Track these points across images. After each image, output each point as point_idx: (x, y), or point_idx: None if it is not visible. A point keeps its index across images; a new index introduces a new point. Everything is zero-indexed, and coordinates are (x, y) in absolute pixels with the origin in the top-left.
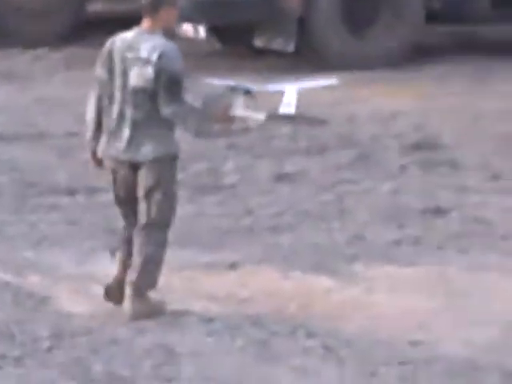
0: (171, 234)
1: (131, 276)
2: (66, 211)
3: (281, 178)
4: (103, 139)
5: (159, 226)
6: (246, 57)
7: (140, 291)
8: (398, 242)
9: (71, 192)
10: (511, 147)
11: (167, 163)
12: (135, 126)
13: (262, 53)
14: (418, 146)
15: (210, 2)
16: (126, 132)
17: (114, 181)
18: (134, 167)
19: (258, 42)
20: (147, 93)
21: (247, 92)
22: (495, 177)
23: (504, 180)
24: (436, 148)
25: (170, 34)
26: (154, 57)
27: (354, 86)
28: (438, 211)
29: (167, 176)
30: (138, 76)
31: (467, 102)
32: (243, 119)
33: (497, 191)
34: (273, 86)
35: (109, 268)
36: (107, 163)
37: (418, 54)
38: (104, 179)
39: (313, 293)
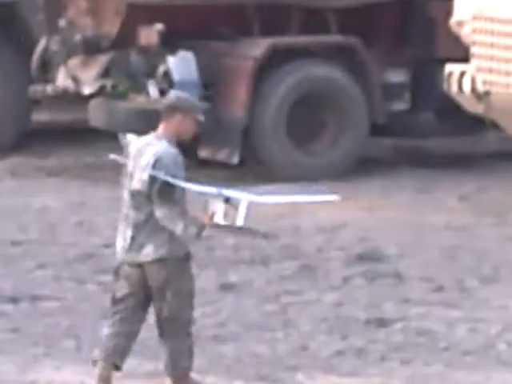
0: None
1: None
2: (10, 318)
3: (225, 287)
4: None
5: (175, 324)
6: (190, 168)
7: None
8: (341, 353)
9: (15, 300)
10: (454, 259)
11: (173, 263)
12: (137, 227)
13: (206, 164)
14: (361, 258)
15: (149, 112)
16: (128, 233)
17: (117, 279)
18: (140, 267)
19: (203, 153)
20: (145, 196)
21: (227, 200)
22: (439, 289)
23: (447, 292)
24: (380, 259)
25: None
26: (151, 162)
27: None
28: (382, 322)
29: (175, 276)
30: (137, 180)
31: (411, 214)
32: (222, 227)
33: (440, 303)
34: (263, 197)
35: (51, 375)
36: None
37: (362, 167)
38: (47, 287)
39: None
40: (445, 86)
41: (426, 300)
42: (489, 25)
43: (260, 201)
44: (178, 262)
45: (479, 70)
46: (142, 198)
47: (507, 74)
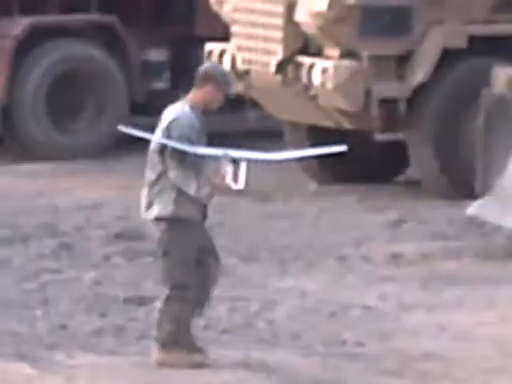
0: None
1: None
2: None
3: None
4: None
5: (168, 286)
6: None
7: (162, 344)
8: (100, 332)
9: None
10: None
11: (172, 224)
12: (149, 186)
13: None
14: (120, 236)
15: None
16: (144, 191)
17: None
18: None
19: None
20: (157, 155)
21: (234, 161)
22: None
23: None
24: (139, 238)
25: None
26: (168, 123)
27: (57, 177)
28: (141, 301)
29: (168, 237)
30: (155, 140)
31: None
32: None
33: None
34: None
35: None
36: None
37: (121, 146)
38: None
39: (14, 381)
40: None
41: None
42: (248, 3)
43: (269, 158)
44: (179, 224)
45: (239, 48)
46: (155, 158)
47: (266, 52)
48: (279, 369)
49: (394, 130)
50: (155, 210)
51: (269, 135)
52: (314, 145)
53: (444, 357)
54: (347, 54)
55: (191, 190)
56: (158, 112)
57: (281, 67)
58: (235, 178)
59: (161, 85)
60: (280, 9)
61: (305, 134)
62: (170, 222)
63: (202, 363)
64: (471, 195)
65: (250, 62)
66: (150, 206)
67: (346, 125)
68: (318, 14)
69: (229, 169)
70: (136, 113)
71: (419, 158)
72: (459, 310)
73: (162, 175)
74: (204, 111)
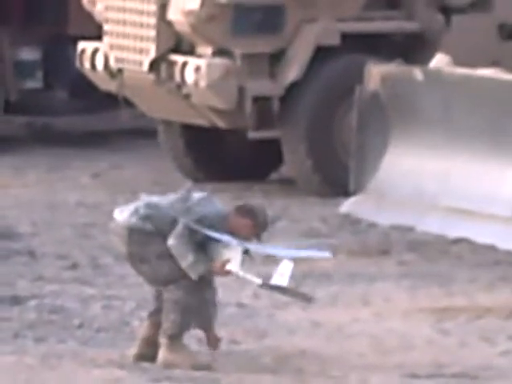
0: None
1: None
2: None
3: None
4: None
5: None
6: None
7: (169, 340)
8: None
9: None
10: (88, 237)
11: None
12: None
13: None
14: None
15: None
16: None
17: None
18: None
19: None
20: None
21: (246, 251)
22: (73, 266)
23: (81, 269)
24: (13, 237)
25: None
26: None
27: None
28: (15, 300)
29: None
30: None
31: (44, 192)
32: (240, 278)
33: (74, 280)
34: (272, 250)
35: None
36: None
37: None
38: None
39: None
40: (78, 64)
41: (60, 278)
42: (120, 2)
43: (284, 255)
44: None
45: (111, 47)
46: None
47: (139, 51)
48: (154, 367)
49: (268, 127)
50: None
51: (143, 134)
52: (187, 143)
53: (319, 354)
54: (220, 52)
55: (185, 261)
56: (30, 111)
57: (154, 66)
58: (242, 266)
59: (34, 84)
60: (152, 7)
61: (179, 132)
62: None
63: (207, 365)
64: (345, 193)
65: (122, 60)
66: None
67: (220, 123)
68: (190, 13)
69: (236, 256)
70: (9, 112)
71: (292, 156)
72: (334, 307)
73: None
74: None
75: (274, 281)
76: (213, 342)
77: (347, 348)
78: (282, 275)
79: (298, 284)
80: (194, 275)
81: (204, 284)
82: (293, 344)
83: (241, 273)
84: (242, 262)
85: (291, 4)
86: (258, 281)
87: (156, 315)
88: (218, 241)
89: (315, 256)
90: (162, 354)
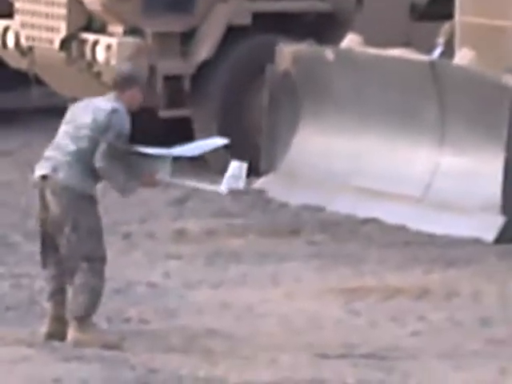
0: None
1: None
2: None
3: None
4: None
5: (82, 258)
6: None
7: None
8: None
9: None
10: None
11: (79, 198)
12: (61, 152)
13: None
14: None
15: None
16: (49, 153)
17: None
18: None
19: None
20: (90, 134)
21: (175, 159)
22: None
23: None
24: None
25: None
26: (107, 113)
27: None
28: None
29: (77, 209)
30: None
31: None
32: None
33: None
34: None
35: None
36: None
37: None
38: None
39: None
40: None
41: None
42: None
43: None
44: (87, 199)
45: (23, 25)
46: (83, 133)
47: (50, 29)
48: (64, 346)
49: (179, 106)
50: (61, 177)
51: (54, 112)
52: None
53: (229, 334)
54: (131, 31)
55: (116, 183)
56: None
57: (65, 44)
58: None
59: None
60: None
61: None
62: (78, 195)
63: (117, 344)
64: (256, 172)
65: (33, 39)
66: (54, 170)
67: None
68: None
69: (165, 165)
70: None
71: (204, 135)
72: (244, 287)
73: (82, 152)
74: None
75: (228, 183)
76: None
77: (257, 328)
78: (234, 177)
79: (209, 263)
80: (127, 194)
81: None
82: (202, 324)
83: (169, 179)
84: (171, 170)
85: None
86: (189, 183)
87: (59, 294)
88: (143, 154)
89: (215, 145)
90: (71, 333)
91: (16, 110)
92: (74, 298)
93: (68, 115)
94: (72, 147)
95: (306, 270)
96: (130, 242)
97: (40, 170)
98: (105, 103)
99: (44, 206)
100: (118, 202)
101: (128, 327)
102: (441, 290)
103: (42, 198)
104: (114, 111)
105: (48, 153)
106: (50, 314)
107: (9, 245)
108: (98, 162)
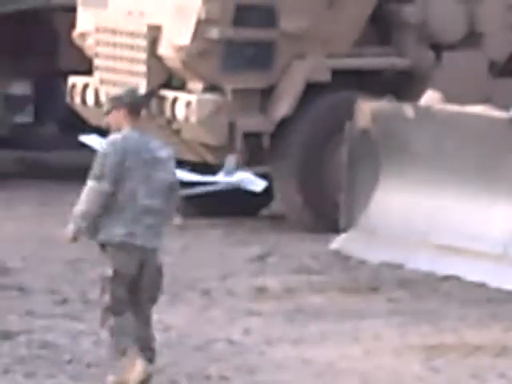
0: None
1: None
2: None
3: None
4: None
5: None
6: None
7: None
8: None
9: None
10: (78, 272)
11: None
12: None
13: None
14: None
15: None
16: (150, 220)
17: None
18: None
19: None
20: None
21: None
22: (63, 301)
23: (71, 304)
24: (4, 273)
25: None
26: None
27: None
28: (6, 335)
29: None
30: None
31: (35, 226)
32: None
33: (64, 315)
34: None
35: None
36: None
37: None
38: None
39: None
40: (68, 99)
41: (50, 313)
42: (110, 37)
43: None
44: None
45: (102, 82)
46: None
47: (129, 86)
48: None
49: (258, 163)
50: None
51: None
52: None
53: None
54: (211, 87)
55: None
56: (21, 146)
57: None
58: None
59: (24, 118)
60: (143, 42)
61: None
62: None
63: None
64: (335, 229)
65: None
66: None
67: (210, 159)
68: (181, 48)
69: None
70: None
71: (283, 192)
72: (324, 344)
73: None
74: None
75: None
76: None
77: None
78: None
79: (289, 320)
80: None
81: None
82: (282, 381)
83: None
84: None
85: (282, 40)
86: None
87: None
88: None
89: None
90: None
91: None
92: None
93: None
94: (159, 206)
95: (386, 327)
96: (210, 298)
97: None
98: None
99: None
100: (197, 258)
101: None
102: None
103: None
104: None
105: None
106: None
107: (89, 301)
108: None
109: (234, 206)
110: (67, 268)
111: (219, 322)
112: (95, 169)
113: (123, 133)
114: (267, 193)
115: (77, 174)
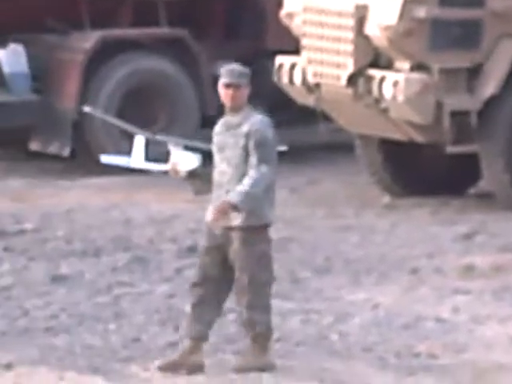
0: None
1: None
2: None
3: (56, 279)
4: None
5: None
6: (20, 160)
7: None
8: (173, 344)
9: None
10: (286, 251)
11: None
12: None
13: (36, 156)
14: (193, 249)
15: None
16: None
17: None
18: None
19: (34, 146)
20: None
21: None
22: None
23: (280, 284)
24: None
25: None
26: None
27: (130, 190)
28: None
29: None
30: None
31: None
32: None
33: (273, 294)
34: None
35: None
36: None
37: None
38: None
39: None
40: (275, 78)
41: None
42: (318, 17)
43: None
44: None
45: (310, 61)
46: None
47: (337, 65)
48: (352, 381)
49: (466, 142)
50: None
51: (340, 148)
52: (385, 157)
53: None
54: (418, 66)
55: None
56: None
57: (351, 80)
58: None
59: None
60: (350, 22)
61: (376, 147)
62: None
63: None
64: None
65: (320, 75)
66: None
67: (418, 138)
68: (388, 27)
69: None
70: (207, 126)
71: (491, 171)
72: None
73: None
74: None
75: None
76: None
77: None
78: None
79: (497, 298)
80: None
81: None
82: (490, 359)
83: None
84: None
85: (489, 19)
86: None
87: None
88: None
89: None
90: None
91: (303, 146)
92: None
93: None
94: None
95: None
96: (418, 277)
97: None
98: None
99: None
100: (405, 237)
101: (417, 362)
102: None
103: None
104: None
105: None
106: None
107: (298, 280)
108: None
109: (441, 185)
110: (274, 247)
111: (427, 300)
112: (270, 154)
113: (258, 114)
114: (474, 171)
115: (283, 154)
